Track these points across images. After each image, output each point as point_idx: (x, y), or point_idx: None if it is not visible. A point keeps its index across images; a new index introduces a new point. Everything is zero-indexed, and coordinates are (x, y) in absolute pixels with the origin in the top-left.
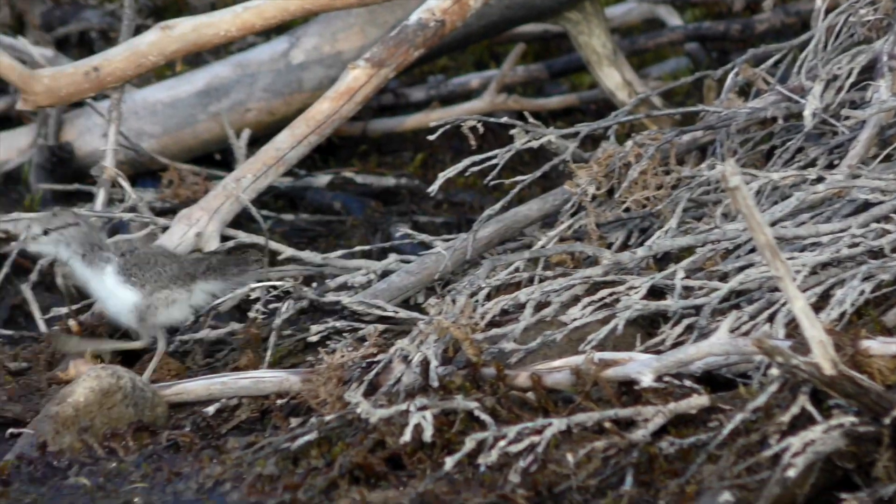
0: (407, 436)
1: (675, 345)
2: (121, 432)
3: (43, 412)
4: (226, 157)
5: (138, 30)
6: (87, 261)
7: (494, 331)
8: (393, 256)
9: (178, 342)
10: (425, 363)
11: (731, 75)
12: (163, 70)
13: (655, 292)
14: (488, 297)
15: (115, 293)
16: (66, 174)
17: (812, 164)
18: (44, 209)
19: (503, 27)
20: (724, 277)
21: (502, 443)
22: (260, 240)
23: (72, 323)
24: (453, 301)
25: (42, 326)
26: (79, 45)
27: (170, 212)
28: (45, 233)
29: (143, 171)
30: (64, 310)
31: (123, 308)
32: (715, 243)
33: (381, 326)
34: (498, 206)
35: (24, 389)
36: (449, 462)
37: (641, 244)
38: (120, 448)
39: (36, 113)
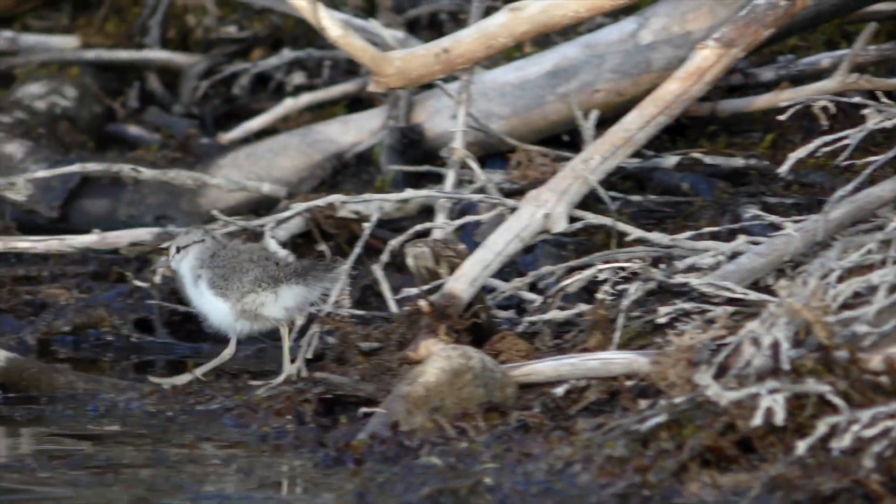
0: (758, 419)
1: None
2: (471, 413)
3: (395, 392)
4: (573, 138)
5: (488, 11)
6: (191, 278)
7: (846, 313)
8: (742, 238)
9: (527, 323)
10: (776, 346)
11: None
12: (511, 51)
13: None
14: (840, 280)
15: (212, 306)
16: (416, 155)
17: None
18: (394, 190)
19: (854, 6)
20: None
21: (856, 427)
22: (607, 220)
23: (422, 303)
24: (804, 283)
25: (393, 307)
26: (429, 27)
27: (518, 193)
28: (178, 251)
29: (491, 153)
30: (414, 290)
31: (222, 317)
32: None
33: (730, 308)
34: (850, 186)
35: (375, 369)
36: (801, 446)
37: None
38: (470, 428)
39: (387, 95)
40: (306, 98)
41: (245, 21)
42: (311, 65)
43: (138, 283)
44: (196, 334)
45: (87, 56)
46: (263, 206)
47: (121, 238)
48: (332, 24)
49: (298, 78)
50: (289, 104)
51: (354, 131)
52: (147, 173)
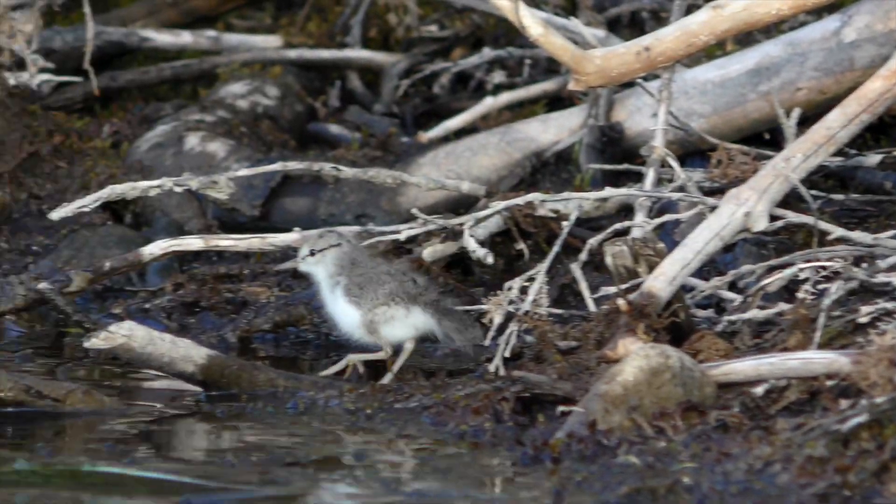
0: None
1: None
2: (669, 412)
3: (592, 390)
4: (774, 136)
5: (689, 9)
6: (329, 283)
7: None
8: None
9: (726, 322)
10: None
11: None
12: (712, 49)
13: None
14: None
15: (344, 312)
16: (616, 154)
17: None
18: (593, 188)
19: None
20: None
21: None
22: (809, 219)
23: (621, 302)
24: None
25: (591, 305)
26: (629, 26)
27: (718, 191)
28: (312, 253)
29: (691, 151)
30: (612, 289)
31: (352, 325)
32: None
33: None
34: None
35: (573, 368)
36: None
37: None
38: (668, 427)
39: (586, 93)
40: (506, 97)
41: (446, 20)
42: (511, 63)
43: None
44: None
45: (289, 55)
46: (462, 204)
47: None
48: (533, 22)
49: (498, 77)
50: (488, 103)
51: (554, 130)
52: (347, 172)
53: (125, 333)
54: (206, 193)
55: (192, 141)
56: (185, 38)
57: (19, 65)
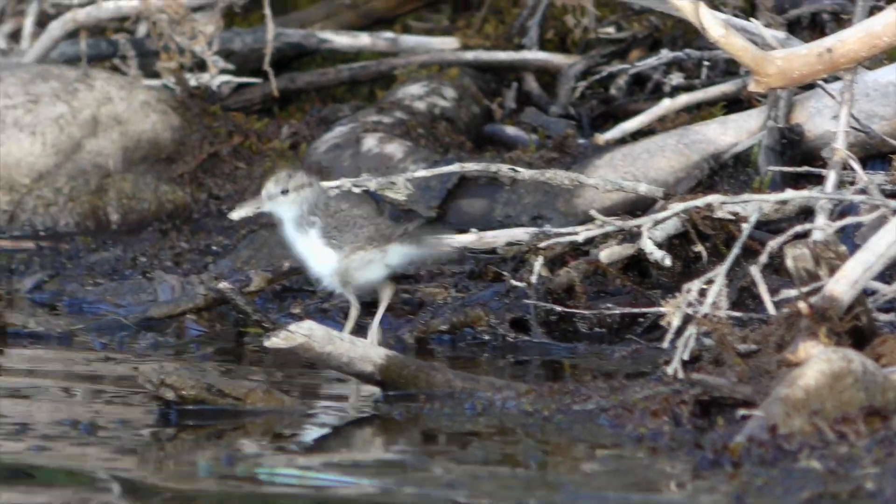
0: None
1: None
2: (851, 416)
3: (773, 394)
4: None
5: (871, 11)
6: (297, 223)
7: None
8: None
9: None
10: None
11: None
12: (894, 51)
13: None
14: None
15: (317, 255)
16: (795, 156)
17: None
18: (772, 191)
19: None
20: None
21: None
22: None
23: (802, 305)
24: None
25: (771, 308)
26: (809, 27)
27: None
28: (284, 192)
29: (872, 154)
30: (793, 292)
31: (325, 269)
32: None
33: None
34: None
35: (752, 371)
36: None
37: None
38: (851, 432)
39: (766, 95)
40: (684, 99)
41: (623, 21)
42: (689, 65)
43: (515, 282)
44: (572, 335)
45: (466, 57)
46: (639, 206)
47: (498, 238)
48: (713, 23)
49: (676, 78)
50: (666, 105)
51: (732, 132)
52: (525, 173)
53: (305, 333)
54: (383, 194)
55: (370, 142)
56: (363, 39)
57: (200, 66)
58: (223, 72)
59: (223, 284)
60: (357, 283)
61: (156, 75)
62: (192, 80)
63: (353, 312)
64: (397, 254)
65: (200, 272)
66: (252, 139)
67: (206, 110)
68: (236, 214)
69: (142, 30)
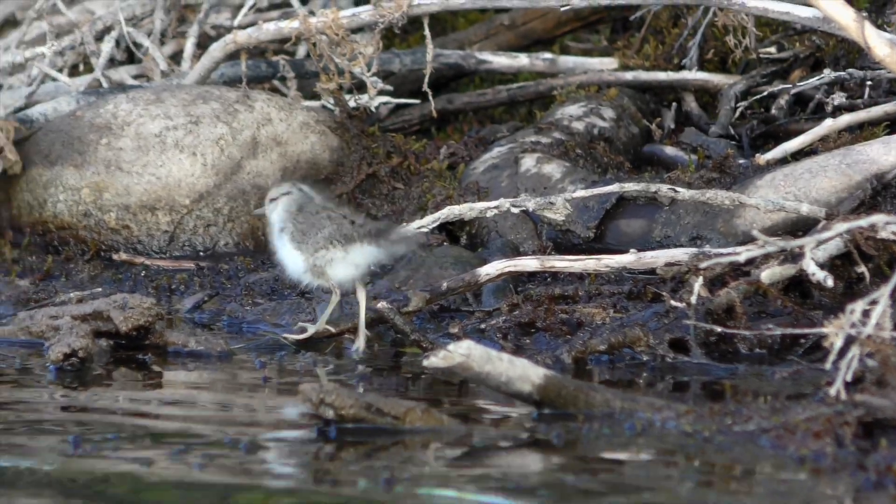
0: None
1: None
2: None
3: None
4: None
5: None
6: (278, 229)
7: None
8: None
9: None
10: None
11: None
12: None
13: None
14: None
15: (290, 257)
16: None
17: None
18: None
19: None
20: None
21: None
22: None
23: None
24: None
25: None
26: None
27: None
28: (272, 201)
29: None
30: None
31: (298, 269)
32: None
33: None
34: None
35: None
36: None
37: None
38: None
39: None
40: (846, 118)
41: (785, 41)
42: (851, 85)
43: (674, 303)
44: (732, 355)
45: (625, 77)
46: (799, 227)
47: (657, 258)
48: (879, 42)
49: (838, 98)
50: (828, 125)
51: None
52: (685, 193)
53: (463, 353)
54: (542, 215)
55: (528, 162)
56: (522, 60)
57: (359, 87)
58: (382, 93)
59: (381, 304)
60: (331, 280)
61: (315, 96)
62: (351, 101)
63: (334, 298)
64: (360, 252)
65: None
66: (410, 160)
67: (364, 131)
68: (256, 212)
69: (301, 51)
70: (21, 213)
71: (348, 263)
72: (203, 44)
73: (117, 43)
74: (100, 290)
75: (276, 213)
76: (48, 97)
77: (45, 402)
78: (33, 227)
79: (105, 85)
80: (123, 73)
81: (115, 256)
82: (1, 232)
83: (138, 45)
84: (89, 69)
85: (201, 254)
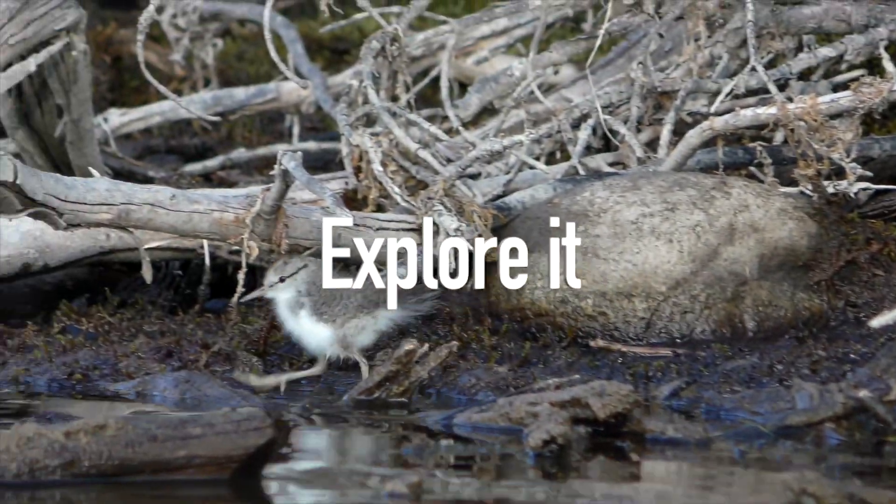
0: None
1: None
2: None
3: None
4: None
5: None
6: (290, 305)
7: None
8: None
9: None
10: None
11: None
12: None
13: None
14: None
15: (312, 332)
16: None
17: None
18: None
19: None
20: None
21: None
22: None
23: None
24: None
25: None
26: None
27: None
28: (282, 280)
29: None
30: None
31: (324, 343)
32: None
33: None
34: None
35: None
36: None
37: None
38: None
39: None
40: None
41: None
42: None
43: None
44: None
45: None
46: None
47: None
48: None
49: None
50: None
51: None
52: None
53: None
54: None
55: None
56: None
57: (837, 173)
58: (861, 179)
59: (862, 393)
60: (355, 348)
61: (792, 183)
62: (830, 187)
63: (364, 369)
64: (385, 317)
65: (838, 380)
66: (890, 246)
67: (842, 217)
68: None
69: (778, 137)
70: (499, 299)
71: (374, 331)
72: (679, 130)
73: (593, 130)
74: (577, 376)
75: (290, 291)
76: (525, 184)
77: (526, 487)
78: (511, 313)
79: (581, 172)
80: (599, 161)
81: (591, 343)
82: (480, 318)
83: (614, 133)
84: (565, 157)
85: (677, 341)
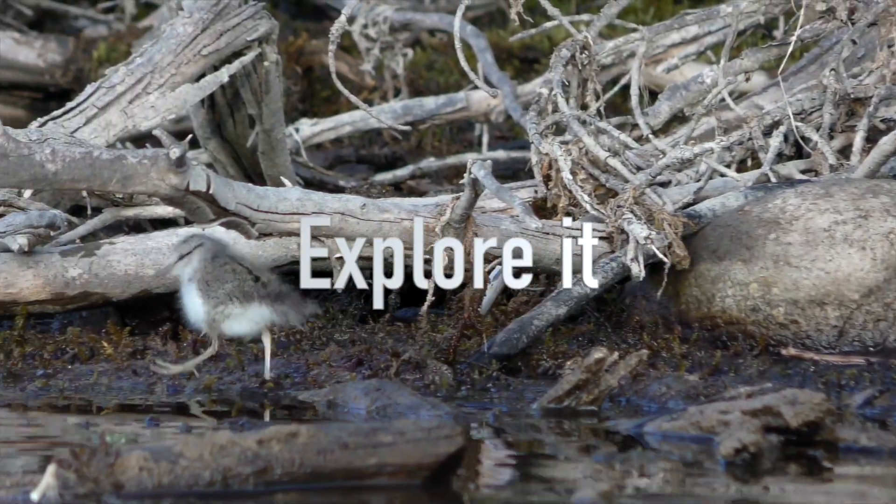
0: None
1: None
2: None
3: None
4: None
5: None
6: (188, 279)
7: None
8: None
9: None
10: None
11: None
12: None
13: None
14: None
15: (192, 306)
16: None
17: None
18: None
19: None
20: None
21: None
22: None
23: None
24: None
25: None
26: None
27: None
28: (181, 258)
29: None
30: None
31: (198, 318)
32: None
33: None
34: None
35: None
36: None
37: None
38: None
39: None
40: None
41: None
42: None
43: None
44: None
45: None
46: None
47: None
48: None
49: None
50: None
51: None
52: None
53: None
54: None
55: None
56: None
57: None
58: None
59: None
60: (226, 333)
61: None
62: None
63: (209, 350)
64: (258, 312)
65: None
66: None
67: None
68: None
69: None
70: (689, 308)
71: (247, 320)
72: (872, 137)
73: (785, 137)
74: (769, 385)
75: (190, 266)
76: (716, 192)
77: (717, 496)
78: (701, 321)
79: (773, 179)
80: (791, 168)
81: (783, 351)
82: (670, 327)
83: (806, 140)
84: (756, 164)
85: (870, 349)
